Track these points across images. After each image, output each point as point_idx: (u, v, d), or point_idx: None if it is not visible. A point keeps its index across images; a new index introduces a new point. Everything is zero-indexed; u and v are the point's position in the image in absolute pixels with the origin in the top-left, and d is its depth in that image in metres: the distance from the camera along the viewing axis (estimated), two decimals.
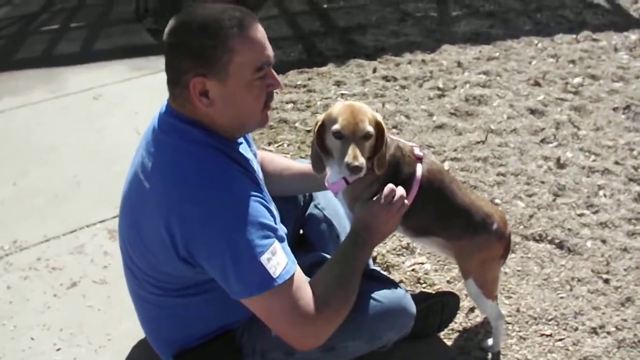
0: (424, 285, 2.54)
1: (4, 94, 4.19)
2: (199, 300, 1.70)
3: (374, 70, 4.81)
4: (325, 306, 1.59)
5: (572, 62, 4.71)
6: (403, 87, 4.51)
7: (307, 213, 2.32)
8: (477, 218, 1.96)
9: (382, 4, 6.95)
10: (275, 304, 1.52)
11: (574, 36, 5.27)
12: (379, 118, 1.75)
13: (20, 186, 3.19)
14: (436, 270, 2.64)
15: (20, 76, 4.44)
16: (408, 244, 2.79)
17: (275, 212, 1.67)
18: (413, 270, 2.64)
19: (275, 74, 1.62)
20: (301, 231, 2.34)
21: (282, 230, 1.62)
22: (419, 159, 1.91)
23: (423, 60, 5.02)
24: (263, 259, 1.49)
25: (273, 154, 2.16)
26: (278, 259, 1.51)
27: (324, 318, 1.59)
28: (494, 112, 4.00)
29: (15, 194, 3.13)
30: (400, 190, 1.79)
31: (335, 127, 1.69)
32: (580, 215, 2.90)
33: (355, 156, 1.65)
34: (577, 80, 4.39)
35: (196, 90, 1.52)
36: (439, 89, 4.44)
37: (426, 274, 2.62)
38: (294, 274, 1.55)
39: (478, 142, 3.61)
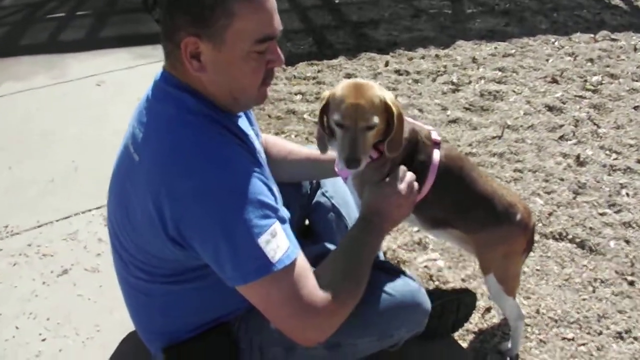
0: (436, 283, 2.39)
1: (6, 79, 4.08)
2: (191, 288, 1.55)
3: (386, 64, 4.67)
4: (330, 296, 1.42)
5: (591, 60, 4.54)
6: (416, 81, 4.37)
7: (313, 201, 2.17)
8: (499, 208, 1.80)
9: (395, 0, 6.82)
10: (274, 292, 1.36)
11: (592, 35, 5.10)
12: (389, 100, 1.57)
13: (16, 171, 3.07)
14: (450, 268, 2.48)
15: (22, 62, 4.33)
16: (420, 239, 2.64)
17: (277, 193, 1.51)
18: (426, 267, 2.49)
19: (279, 49, 1.45)
20: (307, 222, 2.19)
21: (284, 211, 1.48)
22: (437, 144, 1.76)
23: (437, 55, 4.88)
24: (261, 240, 1.32)
25: (277, 137, 2.02)
26: (278, 242, 1.35)
27: (328, 310, 1.42)
28: (510, 108, 3.84)
29: (10, 179, 3.01)
30: (410, 173, 1.65)
31: (336, 115, 1.54)
32: (602, 214, 2.74)
33: (354, 150, 1.51)
34: (596, 78, 4.23)
35: (187, 51, 1.37)
36: (453, 83, 4.29)
37: (439, 271, 2.46)
38: (295, 259, 1.38)
39: (494, 137, 3.46)
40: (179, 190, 1.33)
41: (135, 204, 1.44)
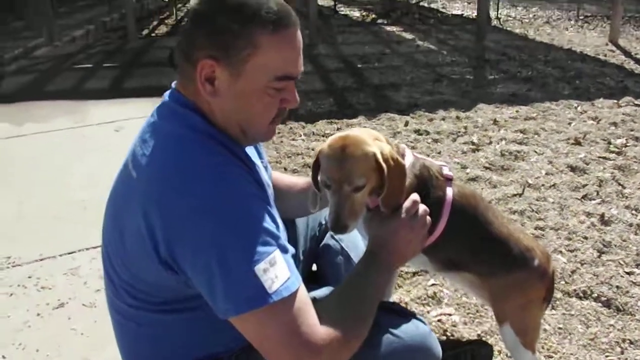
0: (451, 338, 2.24)
1: (27, 120, 4.17)
2: (182, 319, 1.42)
3: (406, 124, 4.66)
4: (332, 335, 1.30)
5: (614, 124, 4.47)
6: (435, 141, 4.33)
7: (322, 244, 2.07)
8: (515, 251, 1.69)
9: (417, 66, 6.92)
10: (271, 327, 1.23)
11: (615, 101, 5.06)
12: (380, 156, 1.44)
13: (26, 205, 3.07)
14: (465, 323, 2.33)
15: (46, 106, 4.43)
16: (435, 292, 2.50)
17: (281, 224, 1.43)
18: (439, 321, 2.34)
19: (295, 90, 1.39)
20: (314, 267, 2.08)
21: (286, 241, 1.38)
22: (449, 180, 1.67)
23: (457, 117, 4.87)
24: (258, 268, 1.21)
25: (278, 172, 1.94)
26: (277, 271, 1.23)
27: (330, 349, 1.29)
28: (531, 167, 3.76)
29: (19, 213, 3.00)
30: (422, 205, 1.55)
31: (322, 175, 1.45)
32: (630, 273, 2.59)
33: (339, 217, 1.42)
34: (620, 141, 4.14)
35: (203, 74, 1.32)
36: (473, 143, 4.24)
37: (454, 325, 2.31)
38: (296, 292, 1.26)
39: (514, 195, 3.36)
40: (172, 208, 1.25)
41: (129, 224, 1.35)
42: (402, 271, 2.67)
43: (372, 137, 1.50)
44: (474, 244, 1.70)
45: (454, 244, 1.68)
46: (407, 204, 1.51)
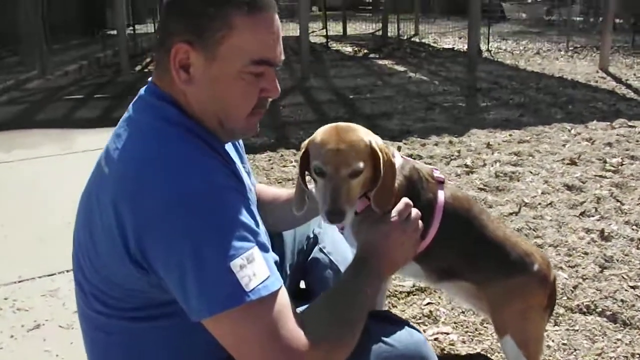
0: (450, 356, 2.12)
1: (15, 147, 4.14)
2: (156, 329, 1.31)
3: (399, 149, 4.61)
4: (316, 340, 1.18)
5: (609, 144, 4.43)
6: (428, 165, 4.26)
7: (310, 258, 1.96)
8: (513, 256, 1.60)
9: (409, 96, 6.93)
10: (249, 330, 1.12)
11: (609, 123, 5.03)
12: (376, 144, 1.39)
13: (8, 228, 3.00)
14: (464, 342, 2.22)
15: (34, 134, 4.40)
16: (431, 311, 2.39)
17: (261, 224, 1.33)
18: (436, 339, 2.23)
19: (276, 80, 1.33)
20: (303, 285, 1.97)
21: (267, 240, 1.29)
22: (440, 183, 1.59)
23: (450, 142, 4.82)
24: (234, 264, 1.11)
25: (262, 184, 1.85)
26: (255, 269, 1.13)
27: (314, 356, 1.19)
28: (527, 187, 3.68)
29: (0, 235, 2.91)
30: (415, 209, 1.46)
31: (316, 162, 1.37)
32: (634, 287, 2.49)
33: (336, 200, 1.33)
34: (616, 160, 4.09)
35: (177, 59, 1.25)
36: (466, 166, 4.18)
37: (452, 344, 2.20)
38: (276, 293, 1.15)
39: (511, 214, 3.28)
40: (143, 201, 1.16)
41: (99, 222, 1.26)
42: (396, 291, 2.56)
43: (364, 129, 1.44)
44: (468, 248, 1.61)
45: (447, 250, 1.59)
46: (398, 206, 1.42)
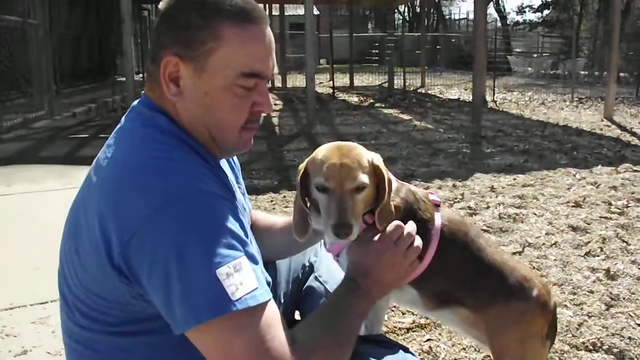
0: None
1: (18, 180, 4.17)
2: (141, 344, 1.25)
3: None
4: (307, 356, 1.15)
5: (614, 188, 4.39)
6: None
7: (305, 286, 1.91)
8: (511, 280, 1.54)
9: (414, 142, 6.96)
10: (235, 342, 1.07)
11: (614, 168, 5.00)
12: (377, 161, 1.37)
13: (3, 256, 2.99)
14: None
15: (37, 169, 4.44)
16: (430, 347, 2.31)
17: (251, 235, 1.30)
18: None
19: (268, 94, 1.32)
20: (297, 316, 1.91)
21: (258, 253, 1.25)
22: (436, 206, 1.55)
23: (454, 185, 4.80)
24: (220, 272, 1.07)
25: (257, 211, 1.80)
26: (242, 278, 1.09)
27: None
28: (531, 228, 3.63)
29: None
30: (409, 227, 1.41)
31: (319, 178, 1.33)
32: None
33: (342, 214, 1.29)
34: (621, 202, 4.04)
35: (166, 71, 1.25)
36: (470, 208, 4.14)
37: None
38: (264, 305, 1.11)
39: (514, 254, 3.21)
40: (128, 206, 1.13)
41: (84, 231, 1.23)
42: (395, 327, 2.49)
43: (362, 147, 1.42)
44: (465, 273, 1.55)
45: (443, 274, 1.53)
46: (389, 227, 1.39)
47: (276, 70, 1.32)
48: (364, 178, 1.32)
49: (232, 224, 1.15)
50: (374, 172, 1.36)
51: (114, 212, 1.14)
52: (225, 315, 1.06)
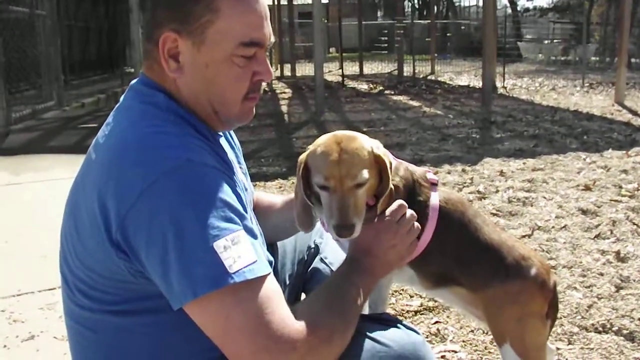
0: None
1: (27, 170, 4.19)
2: (143, 324, 1.24)
3: None
4: (310, 328, 1.11)
5: (624, 171, 4.34)
6: None
7: (310, 268, 1.90)
8: (509, 260, 1.51)
9: (423, 128, 6.92)
10: (234, 315, 1.06)
11: (625, 152, 4.95)
12: (378, 149, 1.34)
13: (12, 244, 3.00)
14: None
15: (46, 159, 4.46)
16: (438, 329, 2.30)
17: (251, 213, 1.29)
18: (443, 357, 2.14)
19: (268, 62, 1.32)
20: (303, 296, 1.90)
21: (256, 226, 1.24)
22: (434, 185, 1.53)
23: (463, 170, 4.77)
24: (217, 245, 1.06)
25: (258, 191, 1.79)
26: (240, 251, 1.08)
27: (307, 344, 1.10)
28: (540, 212, 3.60)
29: (2, 251, 2.94)
30: (410, 210, 1.40)
31: (318, 177, 1.31)
32: None
33: (344, 215, 1.28)
34: (632, 185, 4.00)
35: (165, 48, 1.24)
36: (479, 192, 4.11)
37: None
38: (263, 278, 1.10)
39: (523, 236, 3.19)
40: (125, 180, 1.12)
41: (83, 208, 1.22)
42: (403, 310, 2.49)
43: (363, 136, 1.39)
44: (462, 252, 1.53)
45: (441, 254, 1.52)
46: (392, 207, 1.38)
47: (273, 39, 1.30)
48: (364, 174, 1.30)
49: (229, 197, 1.14)
50: (375, 161, 1.33)
51: (112, 187, 1.13)
52: (223, 288, 1.05)
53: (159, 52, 1.24)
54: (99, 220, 1.14)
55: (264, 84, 1.40)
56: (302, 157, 1.38)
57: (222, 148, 1.36)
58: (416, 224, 1.39)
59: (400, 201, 1.38)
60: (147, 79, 1.31)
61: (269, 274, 1.13)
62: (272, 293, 1.11)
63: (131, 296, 1.22)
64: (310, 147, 1.36)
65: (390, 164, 1.38)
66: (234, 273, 1.06)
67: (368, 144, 1.34)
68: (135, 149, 1.16)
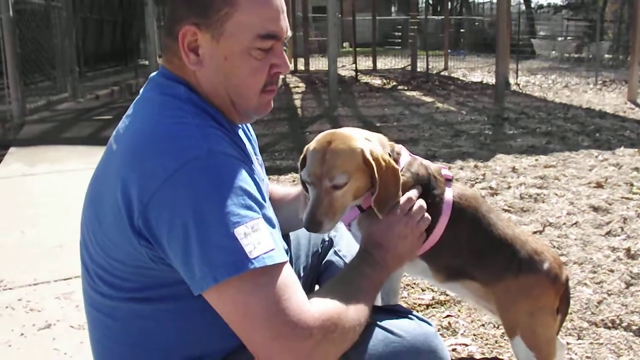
0: None
1: (42, 161, 4.24)
2: (163, 310, 1.27)
3: None
4: (325, 315, 1.15)
5: (636, 169, 4.34)
6: None
7: (324, 260, 1.93)
8: (522, 254, 1.54)
9: (436, 124, 6.91)
10: (252, 300, 1.09)
11: (637, 149, 4.93)
12: (370, 153, 1.35)
13: (28, 235, 3.05)
14: (483, 354, 2.14)
15: (61, 149, 4.51)
16: (450, 323, 2.33)
17: (268, 202, 1.32)
18: (454, 350, 2.16)
19: (285, 55, 1.35)
20: (317, 287, 1.93)
21: (274, 217, 1.27)
22: (448, 181, 1.56)
23: (476, 166, 4.77)
24: (238, 231, 1.10)
25: (272, 183, 1.84)
26: (260, 238, 1.12)
27: (322, 332, 1.13)
28: (552, 209, 3.60)
29: (19, 241, 2.98)
30: (420, 201, 1.43)
31: (304, 172, 1.37)
32: None
33: (314, 211, 1.32)
34: None
35: (185, 42, 1.28)
36: (491, 188, 4.12)
37: (471, 356, 2.13)
38: (281, 266, 1.14)
39: (535, 232, 3.20)
40: (148, 169, 1.15)
41: (105, 197, 1.26)
42: (415, 303, 2.51)
43: (362, 135, 1.41)
44: (475, 247, 1.56)
45: (454, 248, 1.54)
46: (402, 200, 1.41)
47: (289, 33, 1.33)
48: (343, 177, 1.33)
49: (248, 185, 1.17)
50: (366, 164, 1.35)
51: (134, 176, 1.17)
52: (243, 274, 1.08)
53: (179, 46, 1.27)
54: (122, 208, 1.18)
55: (281, 77, 1.42)
56: (305, 148, 1.42)
57: (240, 139, 1.39)
58: (426, 214, 1.42)
59: (411, 193, 1.41)
60: (167, 72, 1.34)
61: (286, 262, 1.17)
62: (289, 280, 1.14)
63: (151, 283, 1.26)
64: (311, 142, 1.40)
65: (393, 169, 1.40)
66: (254, 259, 1.09)
67: (361, 146, 1.36)
68: (156, 139, 1.19)
